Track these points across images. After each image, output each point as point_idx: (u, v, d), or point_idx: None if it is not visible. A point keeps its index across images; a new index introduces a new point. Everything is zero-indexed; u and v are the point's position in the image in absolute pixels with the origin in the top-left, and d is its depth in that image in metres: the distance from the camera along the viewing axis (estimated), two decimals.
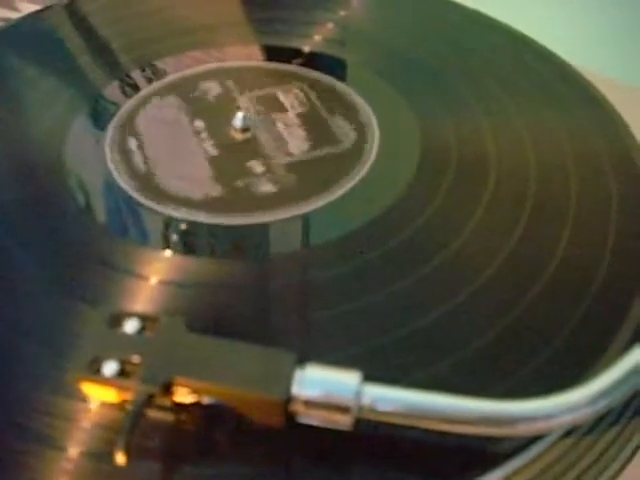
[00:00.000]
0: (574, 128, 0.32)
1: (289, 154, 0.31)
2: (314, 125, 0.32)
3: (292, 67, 0.36)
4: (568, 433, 0.22)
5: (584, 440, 0.22)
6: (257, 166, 0.30)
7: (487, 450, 0.21)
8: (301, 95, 0.34)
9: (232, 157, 0.31)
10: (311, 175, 0.30)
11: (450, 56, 0.36)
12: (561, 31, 0.38)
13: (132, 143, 0.32)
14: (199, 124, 0.32)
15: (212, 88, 0.35)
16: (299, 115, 0.33)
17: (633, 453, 0.23)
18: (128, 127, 0.32)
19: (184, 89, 0.35)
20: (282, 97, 0.34)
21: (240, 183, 0.29)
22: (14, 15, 0.43)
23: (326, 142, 0.31)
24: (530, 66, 0.36)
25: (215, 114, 0.33)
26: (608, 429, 0.23)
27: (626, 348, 0.23)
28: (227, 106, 0.33)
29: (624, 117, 0.32)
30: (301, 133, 0.32)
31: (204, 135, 0.32)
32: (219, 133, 0.32)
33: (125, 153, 0.31)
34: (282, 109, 0.33)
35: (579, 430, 0.22)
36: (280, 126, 0.32)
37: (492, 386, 0.22)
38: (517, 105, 0.33)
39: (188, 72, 0.36)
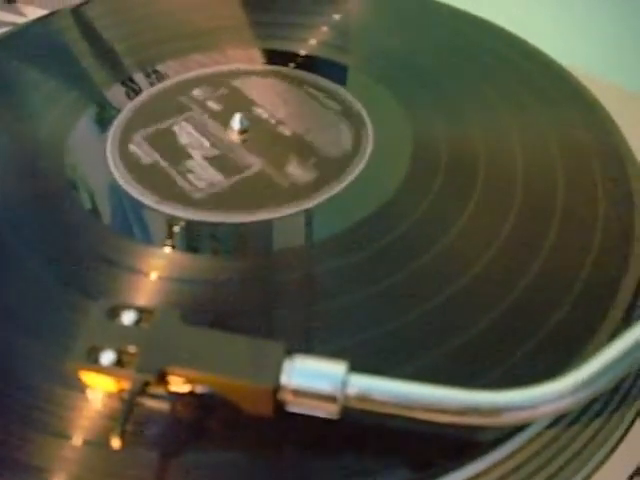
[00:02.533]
0: (564, 129, 0.32)
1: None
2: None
3: (289, 70, 0.37)
4: (554, 422, 0.23)
5: (570, 429, 0.23)
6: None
7: (472, 439, 0.22)
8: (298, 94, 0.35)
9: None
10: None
11: (444, 58, 0.37)
12: (555, 33, 0.39)
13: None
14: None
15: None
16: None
17: (618, 442, 0.23)
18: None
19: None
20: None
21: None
22: (20, 20, 0.44)
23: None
24: (523, 68, 0.36)
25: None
26: (594, 419, 0.23)
27: (610, 339, 0.23)
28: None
29: (617, 120, 0.33)
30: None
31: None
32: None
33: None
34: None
35: (565, 419, 0.23)
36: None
37: (483, 375, 0.23)
38: (508, 106, 0.34)
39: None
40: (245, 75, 0.37)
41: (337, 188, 0.30)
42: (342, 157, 0.31)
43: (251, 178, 0.31)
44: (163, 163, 0.31)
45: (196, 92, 0.36)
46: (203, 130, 0.33)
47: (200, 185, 0.30)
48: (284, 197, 0.29)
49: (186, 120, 0.34)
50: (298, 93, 0.35)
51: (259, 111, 0.34)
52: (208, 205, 0.29)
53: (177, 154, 0.32)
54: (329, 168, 0.31)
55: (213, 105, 0.35)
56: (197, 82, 0.36)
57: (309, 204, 0.29)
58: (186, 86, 0.36)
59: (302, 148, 0.32)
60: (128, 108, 0.35)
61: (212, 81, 0.36)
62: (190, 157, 0.32)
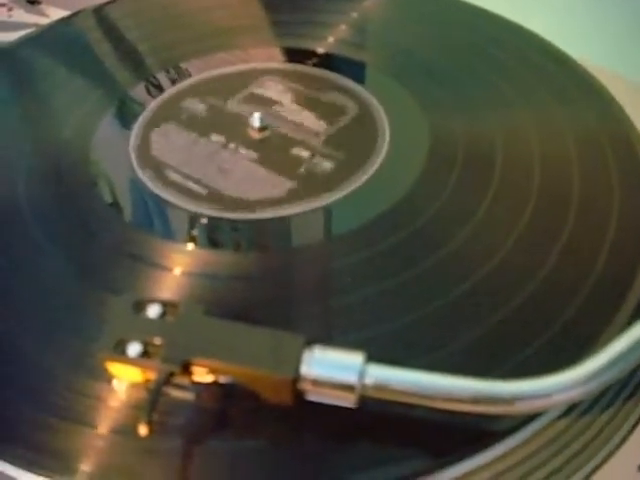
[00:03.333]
0: (579, 123, 0.33)
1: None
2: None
3: (306, 67, 0.38)
4: (567, 411, 0.23)
5: (583, 418, 0.23)
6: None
7: (487, 427, 0.22)
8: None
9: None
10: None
11: (459, 55, 0.38)
12: (568, 27, 0.39)
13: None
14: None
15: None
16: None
17: (630, 431, 0.24)
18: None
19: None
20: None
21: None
22: (43, 21, 0.45)
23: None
24: (537, 63, 0.37)
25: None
26: (606, 408, 0.24)
27: (621, 330, 0.24)
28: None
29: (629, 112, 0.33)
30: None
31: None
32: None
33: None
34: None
35: (578, 408, 0.23)
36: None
37: (498, 367, 0.24)
38: (523, 101, 0.34)
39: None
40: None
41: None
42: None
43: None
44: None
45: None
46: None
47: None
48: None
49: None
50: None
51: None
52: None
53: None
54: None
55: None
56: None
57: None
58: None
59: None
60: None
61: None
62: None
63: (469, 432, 0.22)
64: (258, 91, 0.36)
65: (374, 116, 0.34)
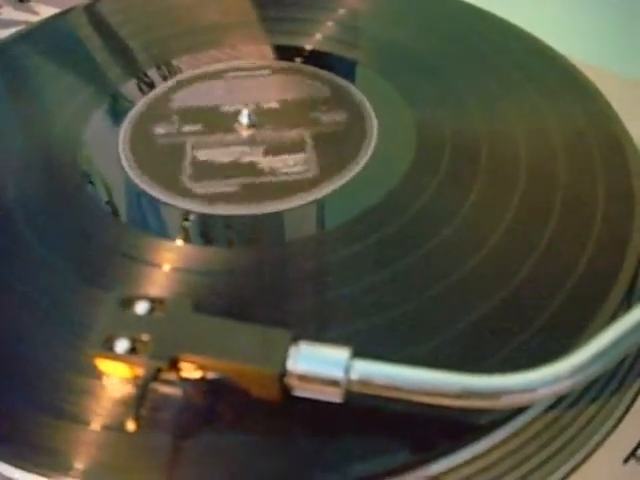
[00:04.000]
0: (566, 119, 0.33)
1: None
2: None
3: (294, 64, 0.38)
4: (553, 405, 0.24)
5: (569, 411, 0.24)
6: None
7: (474, 421, 0.23)
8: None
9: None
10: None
11: (446, 50, 0.38)
12: (554, 22, 0.39)
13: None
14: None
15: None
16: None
17: (615, 425, 0.24)
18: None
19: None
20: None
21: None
22: (33, 18, 0.45)
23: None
24: (524, 59, 0.37)
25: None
26: (592, 401, 0.24)
27: (606, 325, 0.24)
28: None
29: (615, 108, 0.33)
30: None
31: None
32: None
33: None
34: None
35: (563, 402, 0.24)
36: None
37: (485, 359, 0.24)
38: (510, 96, 0.34)
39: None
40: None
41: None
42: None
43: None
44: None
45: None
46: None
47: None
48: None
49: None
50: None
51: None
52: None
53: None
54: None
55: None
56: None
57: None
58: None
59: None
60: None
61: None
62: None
63: (456, 426, 0.23)
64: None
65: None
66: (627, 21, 0.39)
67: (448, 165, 0.31)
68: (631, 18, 0.40)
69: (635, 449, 0.24)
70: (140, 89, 0.37)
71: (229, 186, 0.31)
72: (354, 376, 0.21)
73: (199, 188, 0.31)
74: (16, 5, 0.46)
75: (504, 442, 0.23)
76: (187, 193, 0.30)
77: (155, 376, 0.22)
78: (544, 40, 0.37)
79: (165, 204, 0.30)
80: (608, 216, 0.28)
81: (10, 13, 0.45)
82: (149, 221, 0.31)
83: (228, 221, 0.29)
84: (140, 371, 0.22)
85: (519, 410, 0.23)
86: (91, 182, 0.32)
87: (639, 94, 0.36)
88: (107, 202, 0.31)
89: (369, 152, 0.32)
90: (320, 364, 0.21)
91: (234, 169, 0.32)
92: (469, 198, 0.29)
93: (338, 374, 0.21)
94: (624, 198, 0.29)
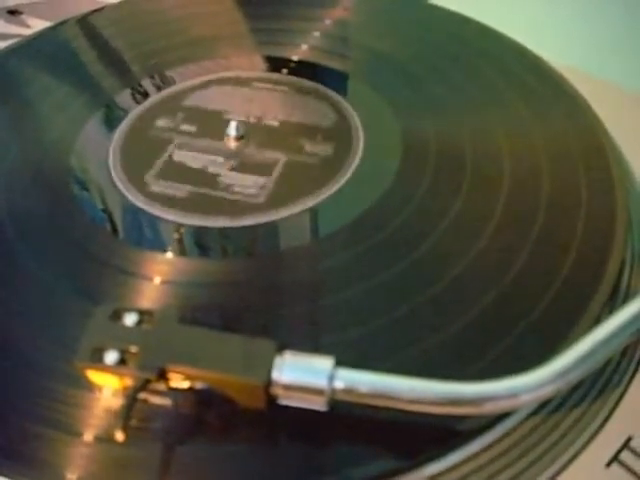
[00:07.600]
0: (549, 124, 0.34)
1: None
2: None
3: (281, 76, 0.38)
4: (535, 411, 0.24)
5: (551, 417, 0.24)
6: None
7: (457, 428, 0.23)
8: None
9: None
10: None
11: (431, 59, 0.38)
12: (551, 33, 0.39)
13: (144, 128, 0.34)
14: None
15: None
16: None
17: (597, 430, 0.24)
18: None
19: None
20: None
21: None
22: (25, 31, 0.45)
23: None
24: (510, 67, 0.37)
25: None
26: (574, 406, 0.24)
27: (587, 330, 0.24)
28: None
29: (615, 120, 0.33)
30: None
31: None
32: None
33: (129, 158, 0.33)
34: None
35: (545, 408, 0.24)
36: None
37: (466, 368, 0.24)
38: (495, 104, 0.35)
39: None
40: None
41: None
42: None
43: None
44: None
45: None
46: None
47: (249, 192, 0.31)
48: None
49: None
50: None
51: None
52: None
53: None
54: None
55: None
56: (226, 81, 0.38)
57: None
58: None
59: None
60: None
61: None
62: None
63: (439, 433, 0.23)
64: (262, 100, 0.36)
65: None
66: (627, 32, 0.40)
67: (432, 175, 0.31)
68: (632, 29, 0.40)
69: (617, 453, 0.24)
70: (134, 99, 0.37)
71: (181, 191, 0.31)
72: (338, 385, 0.22)
73: (156, 186, 0.31)
74: (7, 18, 0.46)
75: (487, 448, 0.23)
76: (143, 189, 0.31)
77: (144, 387, 0.22)
78: (529, 47, 0.38)
79: (156, 217, 0.30)
80: (591, 222, 0.29)
81: (2, 26, 0.46)
82: (140, 233, 0.31)
83: (224, 232, 0.30)
84: (129, 382, 0.22)
85: (502, 416, 0.23)
86: (81, 191, 0.32)
87: (620, 97, 0.37)
88: (97, 214, 0.31)
89: (355, 162, 0.32)
90: (304, 373, 0.22)
91: (195, 176, 0.32)
92: (453, 208, 0.30)
93: (322, 383, 0.22)
94: (607, 204, 0.29)
